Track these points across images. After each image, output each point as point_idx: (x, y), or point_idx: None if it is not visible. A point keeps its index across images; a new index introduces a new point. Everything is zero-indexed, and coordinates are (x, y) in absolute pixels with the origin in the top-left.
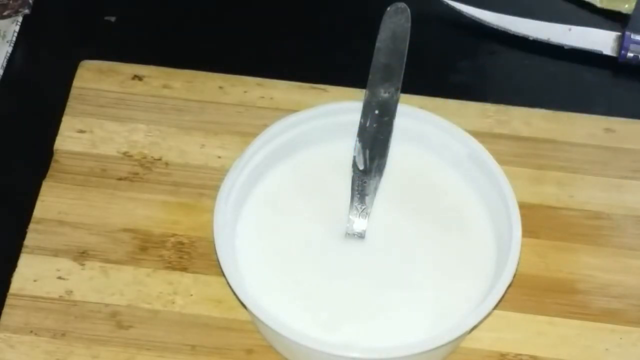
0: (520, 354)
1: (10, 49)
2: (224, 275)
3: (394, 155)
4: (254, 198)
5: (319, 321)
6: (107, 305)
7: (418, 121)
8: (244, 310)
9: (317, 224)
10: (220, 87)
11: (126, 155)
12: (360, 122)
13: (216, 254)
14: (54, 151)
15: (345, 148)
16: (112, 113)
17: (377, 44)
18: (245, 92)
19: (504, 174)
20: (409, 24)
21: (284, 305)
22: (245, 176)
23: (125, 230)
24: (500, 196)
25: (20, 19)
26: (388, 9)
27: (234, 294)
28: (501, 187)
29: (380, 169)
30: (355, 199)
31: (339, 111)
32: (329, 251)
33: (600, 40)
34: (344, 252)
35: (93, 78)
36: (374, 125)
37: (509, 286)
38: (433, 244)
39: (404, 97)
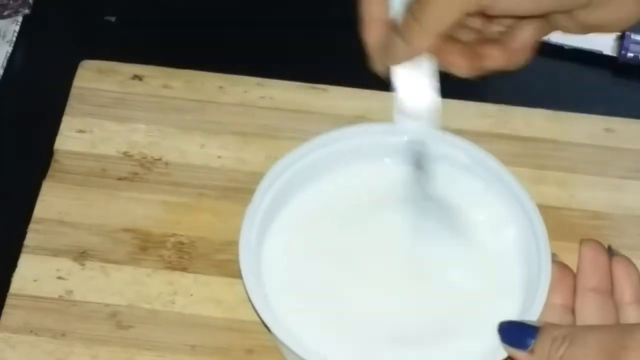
0: None
1: (10, 49)
2: (253, 307)
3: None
4: (280, 222)
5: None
6: (107, 305)
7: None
8: (244, 310)
9: (346, 252)
10: (220, 87)
11: (126, 155)
12: None
13: (243, 282)
14: (54, 151)
15: (376, 170)
16: (112, 113)
17: None
18: (245, 92)
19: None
20: None
21: (320, 337)
22: (270, 200)
23: (125, 230)
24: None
25: (20, 19)
26: None
27: (267, 327)
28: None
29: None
30: None
31: (369, 132)
32: (361, 277)
33: (600, 40)
34: (376, 278)
35: (93, 78)
36: None
37: None
38: (464, 267)
39: None
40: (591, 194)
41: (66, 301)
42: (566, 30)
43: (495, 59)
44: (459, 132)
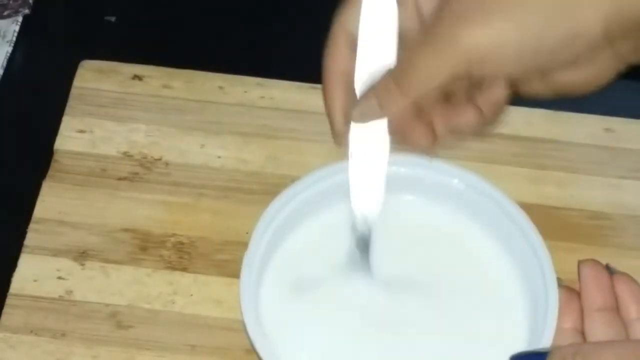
0: None
1: (10, 49)
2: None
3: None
4: (278, 260)
5: None
6: (107, 305)
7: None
8: None
9: (345, 287)
10: (220, 87)
11: (126, 155)
12: None
13: (244, 326)
14: (54, 151)
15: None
16: (112, 113)
17: None
18: (245, 92)
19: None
20: None
21: None
22: (269, 238)
23: (125, 230)
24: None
25: (20, 19)
26: None
27: None
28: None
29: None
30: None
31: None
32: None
33: None
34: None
35: (93, 78)
36: None
37: None
38: (461, 305)
39: None
40: (591, 194)
41: (66, 301)
42: (534, 92)
43: (467, 122)
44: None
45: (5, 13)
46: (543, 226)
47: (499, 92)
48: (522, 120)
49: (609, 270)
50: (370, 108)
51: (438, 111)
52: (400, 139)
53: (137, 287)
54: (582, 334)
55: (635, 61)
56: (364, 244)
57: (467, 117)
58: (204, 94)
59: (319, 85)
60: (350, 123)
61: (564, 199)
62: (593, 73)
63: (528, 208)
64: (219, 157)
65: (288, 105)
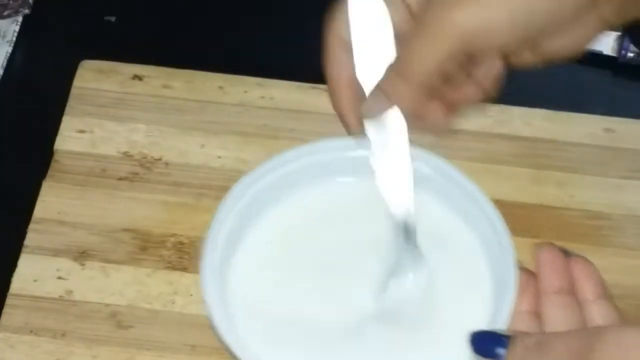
0: None
1: (10, 49)
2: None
3: None
4: (244, 246)
5: None
6: (107, 305)
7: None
8: None
9: (312, 276)
10: (220, 87)
11: (126, 155)
12: None
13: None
14: (54, 151)
15: (339, 187)
16: (112, 113)
17: None
18: (245, 92)
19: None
20: None
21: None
22: (232, 223)
23: (125, 230)
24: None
25: (20, 19)
26: None
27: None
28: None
29: None
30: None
31: (333, 148)
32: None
33: (600, 40)
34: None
35: (93, 78)
36: None
37: None
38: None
39: None
40: (591, 194)
41: (66, 301)
42: (526, 62)
43: (469, 98)
44: (458, 132)
45: (5, 13)
46: (543, 226)
47: (495, 65)
48: (522, 120)
49: (566, 253)
50: (379, 102)
51: (443, 92)
52: (416, 123)
53: (137, 287)
54: (539, 316)
55: (617, 23)
56: (410, 233)
57: (468, 93)
58: (204, 94)
59: (319, 85)
60: (363, 123)
61: (564, 199)
62: (578, 38)
63: (528, 208)
64: (219, 157)
65: (288, 105)
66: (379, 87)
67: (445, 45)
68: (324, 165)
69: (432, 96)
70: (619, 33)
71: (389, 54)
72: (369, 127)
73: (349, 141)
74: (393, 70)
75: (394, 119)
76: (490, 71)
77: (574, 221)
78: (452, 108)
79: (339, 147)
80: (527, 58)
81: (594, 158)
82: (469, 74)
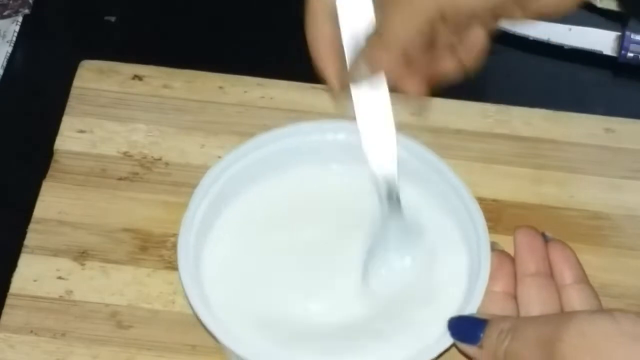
0: None
1: (10, 49)
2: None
3: None
4: (218, 230)
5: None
6: (107, 305)
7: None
8: None
9: (287, 256)
10: (220, 87)
11: (126, 155)
12: None
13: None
14: (54, 151)
15: (320, 172)
16: (112, 113)
17: None
18: (245, 92)
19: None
20: None
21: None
22: (207, 205)
23: (125, 230)
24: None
25: (20, 19)
26: None
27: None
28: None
29: None
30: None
31: (312, 131)
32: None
33: (600, 40)
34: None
35: (93, 78)
36: None
37: None
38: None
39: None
40: (591, 194)
41: (66, 301)
42: (513, 19)
43: (449, 71)
44: (458, 132)
45: (5, 13)
46: (543, 226)
47: (478, 35)
48: (522, 120)
49: (545, 237)
50: (361, 68)
51: (424, 61)
52: (396, 90)
53: (137, 287)
54: (515, 298)
55: None
56: (393, 194)
57: (449, 64)
58: (204, 94)
59: (319, 85)
60: (347, 86)
61: (564, 199)
62: None
63: (528, 208)
64: (219, 157)
65: (288, 105)
66: (360, 54)
67: (422, 11)
68: (306, 148)
69: (412, 68)
70: (619, 33)
71: (369, 21)
72: (354, 89)
73: (330, 124)
74: (374, 36)
75: (378, 83)
76: (473, 42)
77: (574, 221)
78: (432, 80)
79: (320, 130)
80: (517, 16)
81: (594, 158)
82: (451, 46)
